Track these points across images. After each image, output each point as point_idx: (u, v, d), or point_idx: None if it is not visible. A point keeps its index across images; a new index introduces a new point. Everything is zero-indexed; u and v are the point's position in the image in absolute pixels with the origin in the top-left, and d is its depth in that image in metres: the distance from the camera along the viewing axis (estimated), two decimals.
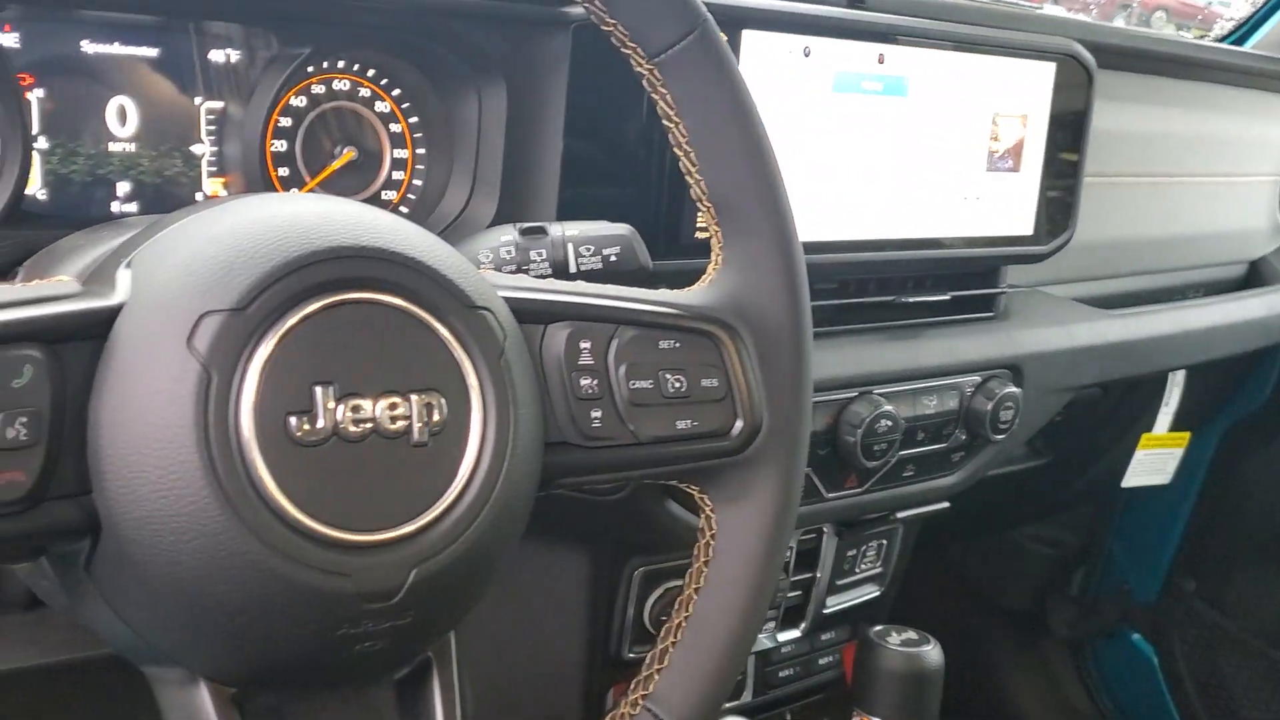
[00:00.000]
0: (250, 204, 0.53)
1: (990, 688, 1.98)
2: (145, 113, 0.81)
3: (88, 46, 0.78)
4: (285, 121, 0.86)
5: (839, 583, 1.20)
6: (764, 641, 1.19)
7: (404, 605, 0.51)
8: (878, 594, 1.26)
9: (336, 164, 0.88)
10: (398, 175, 0.91)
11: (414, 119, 0.91)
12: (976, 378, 1.12)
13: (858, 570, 1.22)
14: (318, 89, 0.87)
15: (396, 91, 0.90)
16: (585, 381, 0.60)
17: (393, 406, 0.51)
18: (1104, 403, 1.51)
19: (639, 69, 0.63)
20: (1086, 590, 1.99)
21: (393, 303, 0.52)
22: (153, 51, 0.80)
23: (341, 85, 0.88)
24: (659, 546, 1.03)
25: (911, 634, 1.09)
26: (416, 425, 0.51)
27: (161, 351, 0.47)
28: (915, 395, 1.07)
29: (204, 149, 0.83)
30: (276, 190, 0.85)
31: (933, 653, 1.06)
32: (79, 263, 0.60)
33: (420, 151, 0.91)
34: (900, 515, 1.16)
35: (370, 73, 0.89)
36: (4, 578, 0.82)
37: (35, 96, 0.76)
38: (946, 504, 1.18)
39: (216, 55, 0.83)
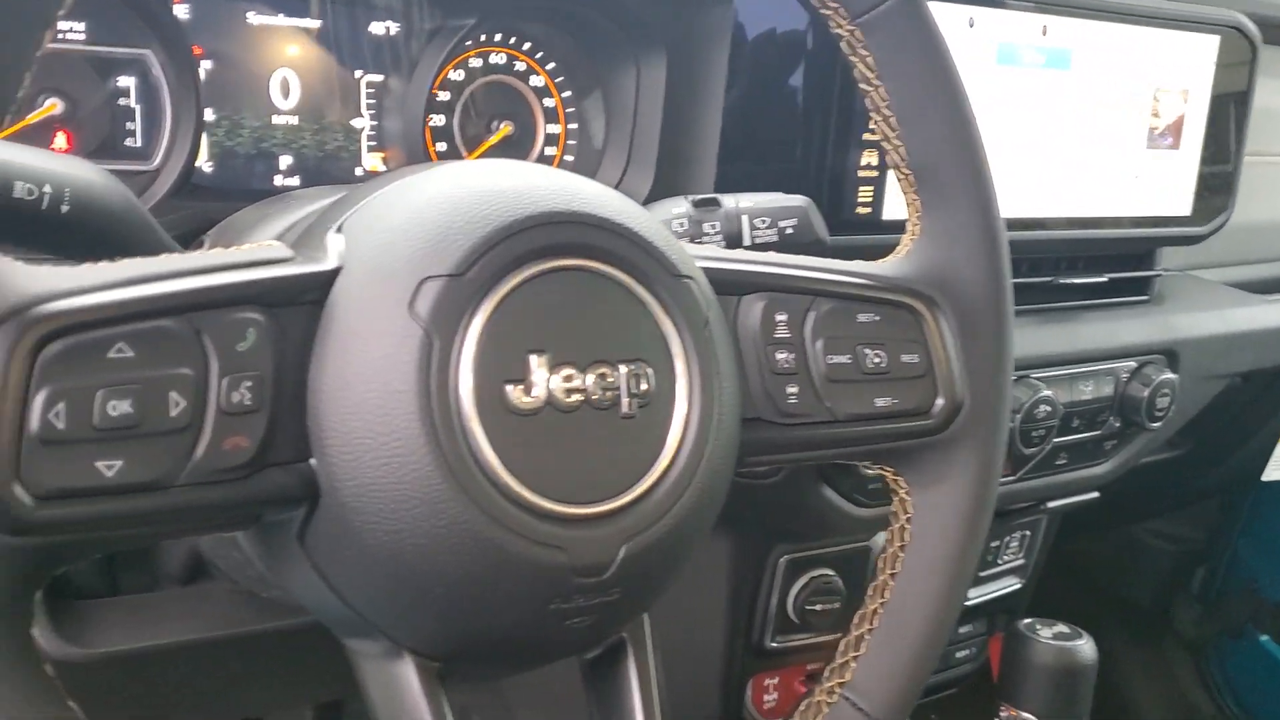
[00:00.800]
0: (459, 170, 0.51)
1: (1108, 685, 1.92)
2: (307, 86, 0.80)
3: (253, 18, 0.78)
4: (443, 95, 0.85)
5: (981, 574, 1.17)
6: None
7: (613, 581, 0.49)
8: (1018, 586, 1.22)
9: (493, 139, 0.87)
10: (550, 150, 0.90)
11: (567, 93, 0.89)
12: (1132, 363, 1.08)
13: (1000, 562, 1.18)
14: (475, 62, 0.86)
15: (551, 65, 0.88)
16: (781, 355, 0.58)
17: (602, 377, 0.49)
18: (1245, 392, 1.45)
19: (838, 30, 0.60)
20: (1209, 589, 1.92)
21: (602, 269, 0.50)
22: (315, 23, 0.80)
23: (498, 59, 0.87)
24: (809, 533, 1.00)
25: (1063, 627, 1.05)
26: (625, 396, 0.49)
27: (383, 316, 0.46)
28: (1072, 380, 1.03)
29: (364, 123, 0.83)
30: None
31: (1086, 647, 1.02)
32: (270, 231, 0.59)
33: (573, 126, 0.90)
34: (1050, 505, 1.12)
35: (526, 46, 0.87)
36: (164, 551, 0.82)
37: (203, 69, 0.76)
38: (1096, 494, 1.14)
39: (377, 27, 0.82)
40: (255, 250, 0.48)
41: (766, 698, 1.08)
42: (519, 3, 0.84)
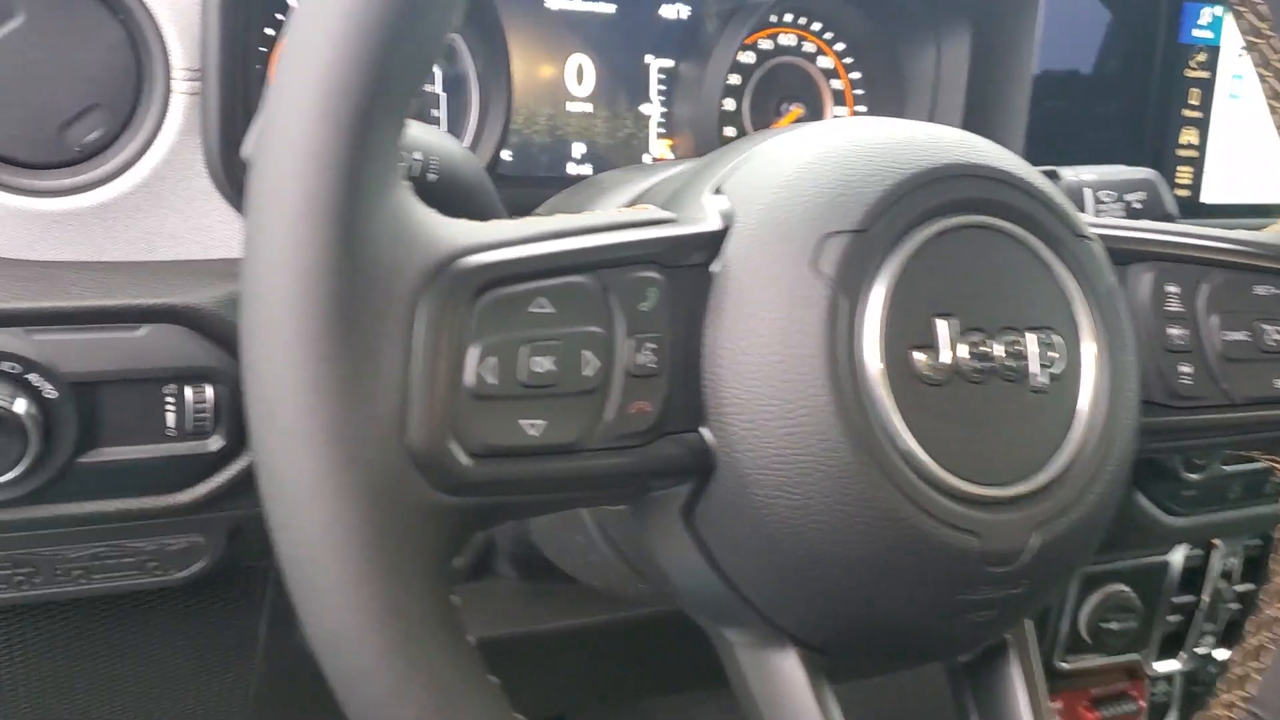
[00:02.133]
0: (844, 125, 0.48)
1: None
2: (601, 72, 0.78)
3: (551, 2, 0.76)
4: (734, 79, 0.82)
5: None
6: (1192, 660, 1.07)
7: (1021, 572, 0.45)
8: None
9: (783, 121, 0.83)
10: None
11: (855, 74, 0.85)
12: None
13: None
14: (765, 44, 0.83)
15: (840, 46, 0.85)
16: (1174, 331, 0.53)
17: (1011, 344, 0.45)
18: None
19: None
20: None
21: (1006, 228, 0.46)
22: (610, 7, 0.78)
23: (787, 40, 0.83)
24: (1111, 543, 0.93)
25: None
26: (1035, 367, 0.45)
27: (783, 276, 0.42)
28: None
29: (653, 109, 0.81)
30: None
31: None
32: (615, 202, 0.57)
33: (861, 109, 0.86)
34: None
35: (815, 26, 0.84)
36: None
37: None
38: None
39: (668, 11, 0.80)
40: (642, 211, 0.45)
41: None
42: None
